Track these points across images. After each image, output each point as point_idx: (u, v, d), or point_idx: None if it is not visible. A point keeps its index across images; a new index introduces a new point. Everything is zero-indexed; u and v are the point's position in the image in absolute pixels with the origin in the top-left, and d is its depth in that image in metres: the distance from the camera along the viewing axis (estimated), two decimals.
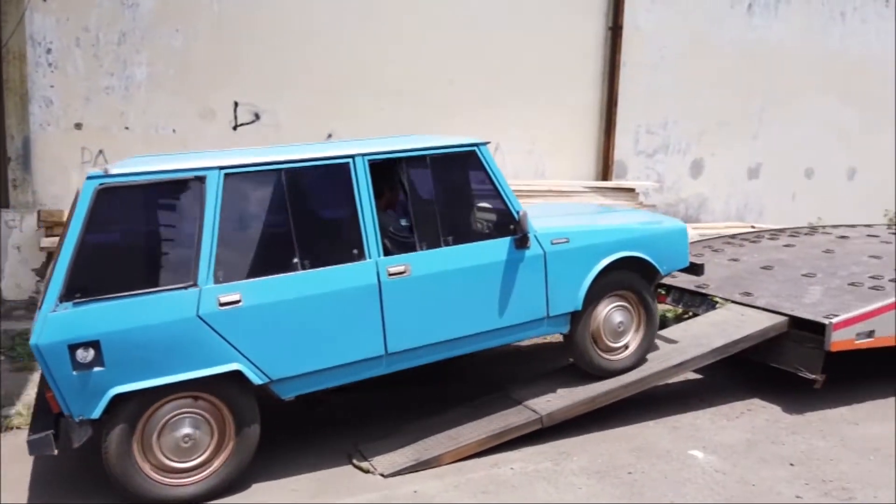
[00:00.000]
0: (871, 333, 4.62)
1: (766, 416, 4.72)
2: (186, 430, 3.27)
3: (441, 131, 6.54)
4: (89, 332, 2.97)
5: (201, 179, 3.20)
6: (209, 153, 3.85)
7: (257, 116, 7.31)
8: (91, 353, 2.96)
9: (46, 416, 3.29)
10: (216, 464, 3.36)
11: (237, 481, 3.47)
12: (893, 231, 7.52)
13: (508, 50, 8.21)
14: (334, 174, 3.50)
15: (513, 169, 8.24)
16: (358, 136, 7.33)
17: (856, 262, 5.78)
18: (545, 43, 8.38)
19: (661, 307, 5.29)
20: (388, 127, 7.48)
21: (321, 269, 3.42)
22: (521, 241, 3.87)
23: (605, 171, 8.86)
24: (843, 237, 6.88)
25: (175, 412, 3.26)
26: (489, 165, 3.89)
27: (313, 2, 7.33)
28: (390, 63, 7.69)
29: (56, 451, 3.18)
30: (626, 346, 4.43)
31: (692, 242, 6.20)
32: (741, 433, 4.43)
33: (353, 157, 3.53)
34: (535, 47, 8.34)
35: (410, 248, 3.67)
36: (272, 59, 7.22)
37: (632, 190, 8.28)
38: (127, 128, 6.85)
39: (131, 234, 3.27)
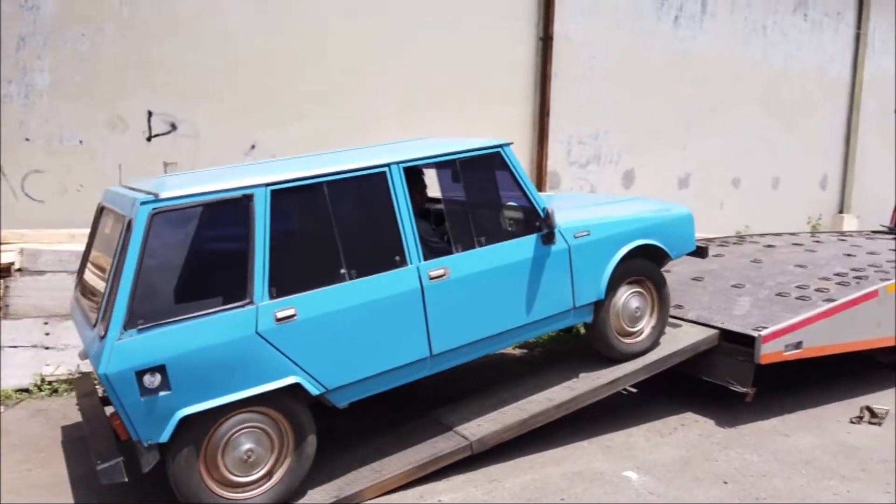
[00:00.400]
0: (798, 345, 4.63)
1: (699, 430, 4.66)
2: (249, 444, 3.30)
3: (368, 140, 6.30)
4: (155, 358, 2.98)
5: (249, 198, 3.21)
6: (246, 168, 3.86)
7: (174, 127, 6.89)
8: (158, 377, 2.97)
9: (105, 442, 3.28)
10: (277, 475, 3.39)
11: (297, 491, 3.49)
12: (816, 239, 7.70)
13: (438, 58, 8.04)
14: (372, 183, 3.56)
15: None
16: (282, 147, 7.20)
17: (782, 271, 5.83)
18: (476, 52, 8.26)
19: None
20: (313, 137, 7.20)
21: (367, 277, 3.48)
22: (548, 237, 4.00)
23: (539, 181, 8.77)
24: (769, 246, 6.97)
25: (237, 428, 3.27)
26: (513, 165, 4.00)
27: (231, 5, 6.98)
28: (314, 70, 7.40)
29: (126, 479, 3.14)
30: (641, 331, 4.60)
31: None
32: (675, 450, 4.34)
33: (388, 165, 3.60)
34: (466, 56, 8.20)
35: (446, 251, 3.76)
36: (189, 66, 6.83)
37: None
38: (27, 139, 6.34)
39: (186, 257, 3.20)
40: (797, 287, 5.31)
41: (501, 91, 8.52)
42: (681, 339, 4.72)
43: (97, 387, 4.19)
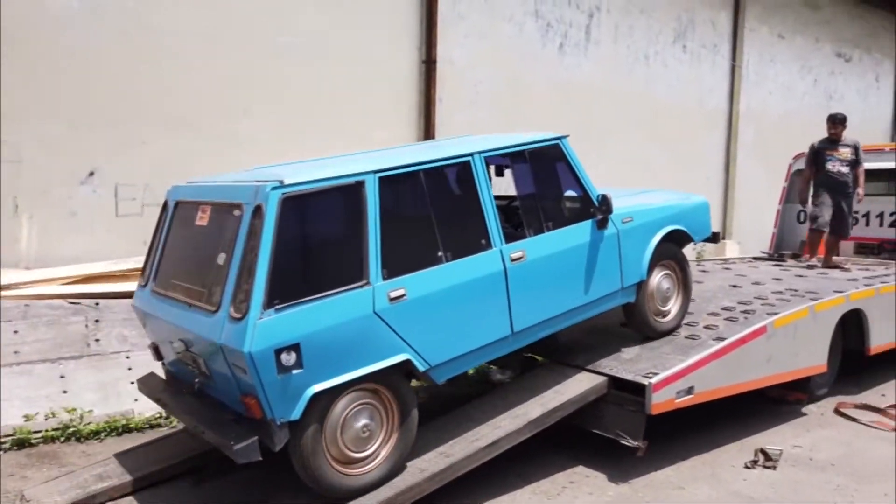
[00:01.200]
0: (690, 390, 4.29)
1: (589, 487, 4.21)
2: (364, 420, 3.41)
3: (231, 166, 5.57)
4: (291, 336, 3.05)
5: (361, 184, 3.35)
6: (350, 157, 4.01)
7: None
8: (293, 356, 3.04)
9: (232, 425, 3.27)
10: (385, 451, 3.51)
11: (401, 467, 3.59)
12: (702, 268, 7.60)
13: (315, 80, 7.43)
14: (460, 171, 3.80)
15: None
16: (128, 174, 6.30)
17: None
18: (357, 74, 7.72)
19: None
20: (167, 162, 6.37)
21: (460, 259, 3.66)
22: (602, 223, 4.31)
23: None
24: None
25: (353, 405, 3.37)
26: (570, 156, 4.29)
27: (72, 16, 6.08)
28: (170, 90, 6.59)
29: (261, 458, 3.16)
30: (670, 311, 4.95)
31: None
32: None
33: (472, 154, 3.82)
34: (346, 78, 7.64)
35: (521, 235, 3.99)
36: (15, 81, 5.85)
37: None
38: None
39: (310, 239, 3.39)
40: (685, 324, 5.03)
41: (384, 114, 8.00)
42: (568, 388, 4.28)
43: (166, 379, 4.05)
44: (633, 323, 4.84)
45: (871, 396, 6.11)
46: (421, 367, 3.51)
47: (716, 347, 4.51)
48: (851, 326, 5.90)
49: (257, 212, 3.08)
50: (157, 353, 3.97)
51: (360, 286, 3.28)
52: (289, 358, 3.03)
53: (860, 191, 7.38)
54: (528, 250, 3.94)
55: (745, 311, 5.23)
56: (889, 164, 8.40)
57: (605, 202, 4.25)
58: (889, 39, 15.51)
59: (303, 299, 3.11)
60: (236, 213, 3.21)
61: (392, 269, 3.39)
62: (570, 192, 4.34)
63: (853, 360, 6.14)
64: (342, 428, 3.34)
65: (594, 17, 9.87)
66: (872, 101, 15.23)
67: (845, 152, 7.47)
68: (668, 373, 4.17)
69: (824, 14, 13.73)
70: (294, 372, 3.06)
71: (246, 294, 3.00)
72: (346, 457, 3.38)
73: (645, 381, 4.08)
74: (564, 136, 4.32)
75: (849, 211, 7.48)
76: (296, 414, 3.10)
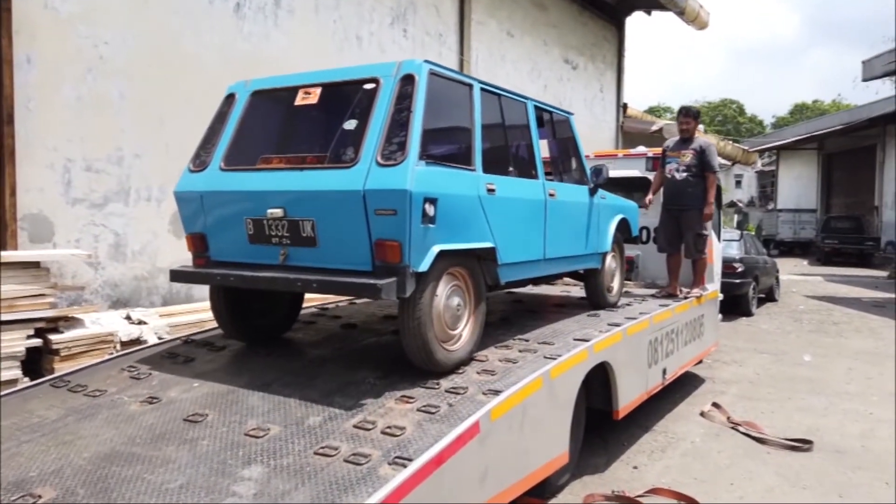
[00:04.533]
0: None
1: None
2: (458, 298, 3.59)
3: None
4: (434, 190, 3.23)
5: (471, 87, 3.81)
6: None
7: None
8: (432, 209, 3.22)
9: (345, 274, 3.27)
10: (466, 334, 3.67)
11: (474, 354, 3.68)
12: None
13: None
14: (520, 109, 4.39)
15: None
16: None
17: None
18: None
19: None
20: None
21: (521, 178, 4.17)
22: (594, 191, 5.08)
23: (2, 233, 5.27)
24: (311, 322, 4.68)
25: (452, 283, 3.54)
26: (574, 132, 5.13)
27: None
28: None
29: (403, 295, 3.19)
30: (613, 287, 5.60)
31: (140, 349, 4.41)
32: None
33: (527, 100, 4.45)
34: None
35: (551, 180, 4.58)
36: None
37: (35, 265, 4.86)
38: None
39: (441, 116, 3.57)
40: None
41: None
42: None
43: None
44: (592, 293, 5.39)
45: (620, 469, 4.60)
46: (499, 260, 3.76)
47: (408, 472, 2.43)
48: (594, 384, 4.34)
49: (408, 79, 3.34)
50: (202, 244, 3.78)
51: (471, 169, 3.59)
52: (430, 209, 3.19)
53: (705, 209, 6.07)
54: (558, 191, 4.50)
55: (451, 392, 3.27)
56: (626, 172, 7.37)
57: (598, 173, 4.95)
58: (611, 51, 15.58)
59: (440, 162, 3.37)
60: (368, 86, 3.41)
61: (485, 166, 3.69)
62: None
63: (595, 418, 4.60)
64: (445, 300, 3.46)
65: None
66: (598, 111, 15.12)
67: (687, 154, 6.15)
68: None
69: (551, 16, 13.10)
70: (430, 226, 3.21)
71: (399, 145, 3.17)
72: (443, 332, 3.48)
73: None
74: (572, 113, 5.17)
75: (689, 226, 6.12)
76: (425, 265, 3.21)
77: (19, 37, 5.39)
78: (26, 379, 4.55)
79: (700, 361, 7.00)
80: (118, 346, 5.05)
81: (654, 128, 15.99)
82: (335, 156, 3.41)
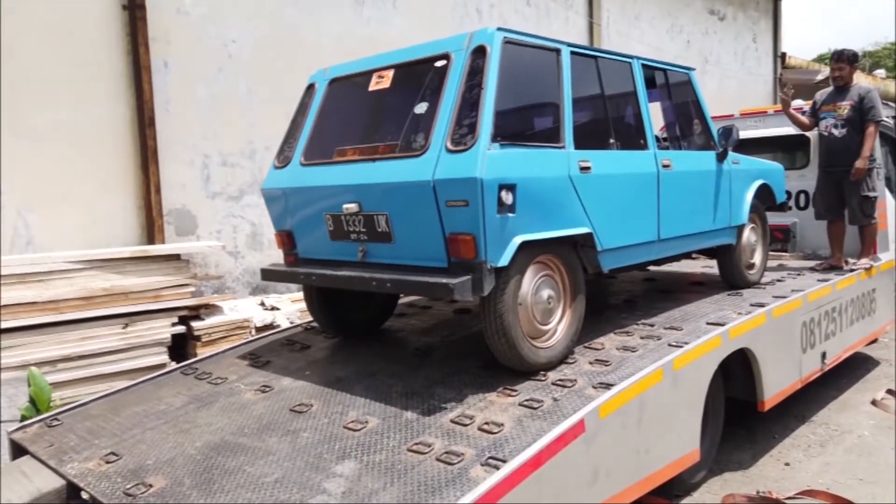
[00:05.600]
0: None
1: None
2: (549, 291, 3.26)
3: None
4: (512, 175, 2.92)
5: (558, 52, 3.35)
6: None
7: None
8: (511, 196, 2.90)
9: (421, 273, 3.04)
10: (561, 329, 3.34)
11: (571, 353, 3.36)
12: None
13: None
14: (623, 70, 3.84)
15: None
16: None
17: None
18: (25, 23, 5.07)
19: None
20: None
21: (626, 151, 3.67)
22: (722, 156, 4.42)
23: (150, 226, 5.72)
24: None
25: (540, 274, 3.22)
26: (696, 89, 4.45)
27: None
28: None
29: (476, 297, 2.93)
30: (755, 263, 4.96)
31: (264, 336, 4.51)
32: None
33: (632, 58, 3.90)
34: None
35: (666, 148, 4.12)
36: None
37: (177, 257, 5.21)
38: None
39: (521, 90, 3.29)
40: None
41: (72, 87, 5.38)
42: None
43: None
44: (728, 272, 4.77)
45: (769, 466, 4.12)
46: (599, 246, 3.40)
47: (516, 464, 2.28)
48: (736, 370, 3.89)
49: (479, 52, 3.04)
50: (290, 241, 3.72)
51: (559, 147, 3.23)
52: (508, 196, 2.88)
53: (857, 163, 5.21)
54: (675, 161, 3.97)
55: (559, 385, 3.03)
56: (779, 131, 6.60)
57: (727, 134, 4.35)
58: None
59: (518, 143, 3.05)
60: (439, 63, 3.15)
61: (579, 141, 3.32)
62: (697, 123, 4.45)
63: (740, 408, 4.14)
64: (532, 295, 3.16)
65: None
66: (751, 64, 13.76)
67: (844, 107, 5.34)
68: None
69: None
70: (509, 215, 2.91)
71: (470, 128, 2.90)
72: (533, 327, 3.20)
73: None
74: (692, 69, 4.48)
75: (854, 189, 5.33)
76: (504, 260, 2.91)
77: (156, 43, 5.77)
78: (173, 363, 4.91)
79: (874, 341, 6.13)
80: (253, 332, 5.31)
81: (820, 77, 14.28)
82: (406, 143, 3.14)
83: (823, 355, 4.64)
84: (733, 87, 13.02)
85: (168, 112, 5.88)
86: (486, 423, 2.70)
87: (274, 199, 3.74)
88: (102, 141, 5.56)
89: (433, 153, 2.94)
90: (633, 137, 3.81)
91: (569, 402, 2.83)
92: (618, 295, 4.81)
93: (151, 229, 5.66)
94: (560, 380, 3.06)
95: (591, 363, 3.25)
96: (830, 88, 5.62)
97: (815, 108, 5.67)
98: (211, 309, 5.37)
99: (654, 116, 4.09)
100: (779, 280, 5.05)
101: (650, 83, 4.15)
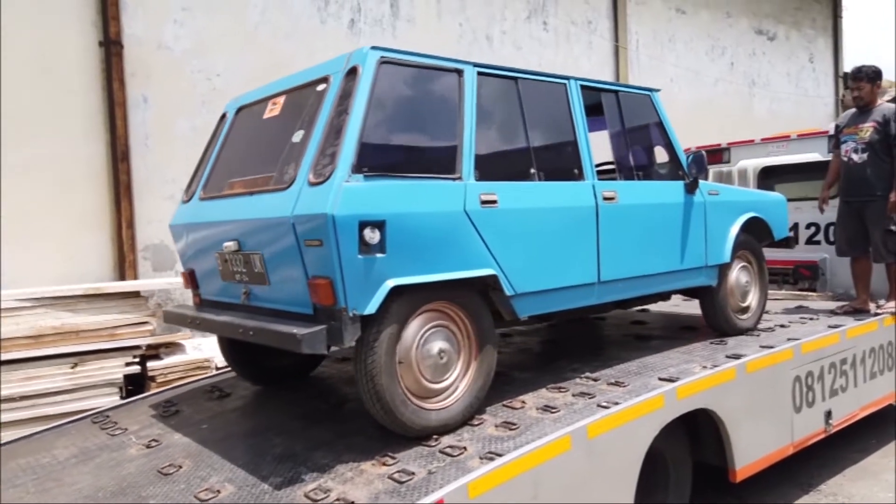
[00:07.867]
0: None
1: None
2: (442, 343, 2.84)
3: None
4: (378, 211, 2.59)
5: (460, 72, 3.03)
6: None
7: None
8: (377, 234, 2.58)
9: (289, 321, 2.71)
10: (462, 388, 2.91)
11: (477, 410, 2.94)
12: None
13: None
14: (554, 92, 3.47)
15: None
16: None
17: None
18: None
19: None
20: None
21: (553, 182, 3.29)
22: (692, 186, 3.93)
23: (121, 263, 5.63)
24: None
25: (429, 324, 2.82)
26: (660, 111, 3.97)
27: None
28: None
29: (327, 352, 2.65)
30: (749, 306, 4.42)
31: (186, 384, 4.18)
32: None
33: (568, 79, 3.52)
34: None
35: (613, 178, 3.75)
36: None
37: (136, 294, 5.07)
38: None
39: (404, 116, 2.96)
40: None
41: (47, 123, 5.40)
42: None
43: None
44: (711, 317, 4.24)
45: None
46: (508, 290, 3.00)
47: None
48: (705, 432, 3.35)
49: (351, 74, 2.76)
50: (193, 281, 3.48)
51: (453, 178, 2.88)
52: (373, 235, 2.55)
53: (893, 196, 4.56)
54: (621, 193, 3.53)
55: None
56: (803, 157, 6.00)
57: (698, 163, 3.89)
58: (822, 12, 13.18)
59: (393, 174, 2.71)
60: (320, 87, 2.88)
61: (484, 171, 2.98)
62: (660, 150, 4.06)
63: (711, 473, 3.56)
64: (419, 347, 2.76)
65: None
66: (807, 85, 12.84)
67: (866, 129, 4.76)
68: None
69: None
70: (376, 256, 2.57)
71: (331, 157, 2.60)
72: (420, 385, 2.77)
73: None
74: (656, 90, 4.03)
75: (876, 222, 4.71)
76: (371, 307, 2.56)
77: (135, 78, 5.75)
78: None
79: None
80: (214, 371, 5.09)
81: (888, 97, 13.18)
82: (280, 175, 2.86)
83: (828, 415, 3.98)
84: (787, 111, 12.15)
85: (147, 147, 5.83)
86: (338, 500, 2.31)
87: (178, 235, 3.51)
88: (78, 177, 5.55)
89: (297, 186, 2.65)
90: (563, 167, 3.41)
91: (443, 476, 2.40)
92: (587, 340, 4.32)
93: (122, 265, 5.58)
94: (450, 446, 2.63)
95: (497, 426, 2.80)
96: (853, 110, 5.00)
97: (838, 131, 5.06)
98: (172, 348, 5.19)
99: (603, 144, 3.65)
100: (781, 326, 4.42)
101: (597, 108, 3.72)
